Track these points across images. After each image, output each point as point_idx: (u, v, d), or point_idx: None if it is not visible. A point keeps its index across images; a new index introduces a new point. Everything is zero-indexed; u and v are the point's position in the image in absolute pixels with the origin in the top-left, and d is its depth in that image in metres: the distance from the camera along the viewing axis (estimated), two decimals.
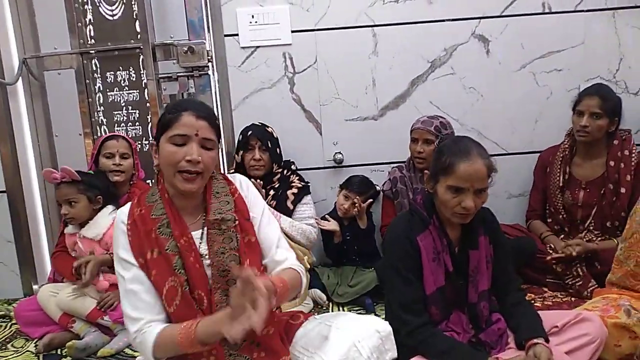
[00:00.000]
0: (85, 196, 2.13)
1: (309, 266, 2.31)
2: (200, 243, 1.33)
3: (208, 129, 1.30)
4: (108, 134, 2.44)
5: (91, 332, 2.04)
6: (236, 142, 2.52)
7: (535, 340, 1.42)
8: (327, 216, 2.44)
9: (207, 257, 1.32)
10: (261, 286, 1.08)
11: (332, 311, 2.25)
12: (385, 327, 1.28)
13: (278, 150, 2.50)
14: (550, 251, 2.29)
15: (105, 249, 2.11)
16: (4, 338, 2.24)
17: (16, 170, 2.68)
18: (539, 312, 1.57)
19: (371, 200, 2.36)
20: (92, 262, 2.01)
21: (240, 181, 1.45)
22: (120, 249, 1.30)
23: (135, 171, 2.40)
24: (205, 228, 1.34)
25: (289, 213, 2.40)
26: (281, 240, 1.43)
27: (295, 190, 2.45)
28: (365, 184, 2.52)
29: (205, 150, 1.30)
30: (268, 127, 2.50)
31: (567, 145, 2.39)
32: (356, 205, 2.38)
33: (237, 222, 1.34)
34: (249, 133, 2.43)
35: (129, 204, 1.37)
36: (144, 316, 1.24)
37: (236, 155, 2.47)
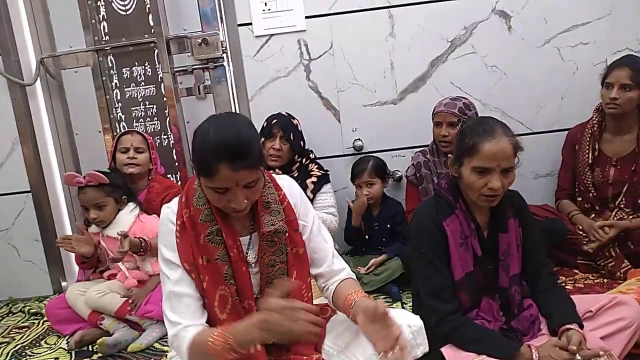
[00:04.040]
0: (112, 198, 2.13)
1: None
2: (247, 251, 1.31)
3: (249, 174, 1.17)
4: (124, 130, 2.45)
5: (120, 328, 2.07)
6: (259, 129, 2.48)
7: (568, 326, 1.38)
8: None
9: (253, 265, 1.30)
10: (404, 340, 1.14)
11: None
12: (416, 322, 1.25)
13: (302, 143, 2.47)
14: (580, 232, 2.23)
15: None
16: (37, 335, 2.28)
17: (39, 170, 2.72)
18: (571, 296, 1.52)
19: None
20: (128, 240, 1.98)
21: (290, 186, 1.39)
22: (167, 249, 1.27)
23: (152, 166, 2.39)
24: (254, 236, 1.31)
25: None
26: (334, 249, 1.42)
27: (314, 179, 2.43)
28: (382, 167, 2.48)
29: (250, 187, 1.20)
30: (294, 118, 2.47)
31: (595, 121, 2.30)
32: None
33: (287, 233, 1.31)
34: (274, 121, 2.40)
35: (175, 201, 1.32)
36: (182, 321, 1.22)
37: None
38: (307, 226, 1.37)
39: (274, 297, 1.10)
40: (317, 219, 1.42)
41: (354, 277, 1.41)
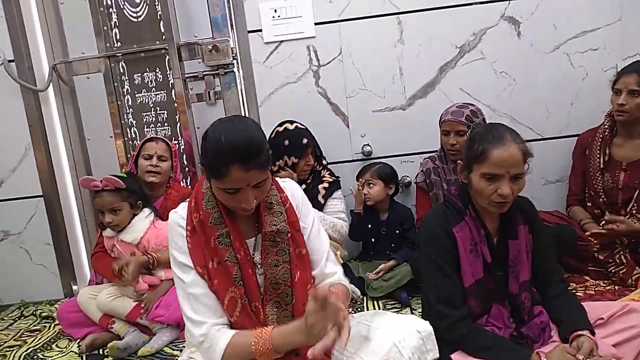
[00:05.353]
0: (127, 203, 2.14)
1: (342, 261, 2.30)
2: (253, 252, 1.33)
3: (259, 174, 1.20)
4: (150, 137, 2.46)
5: (131, 331, 2.08)
6: (271, 135, 2.46)
7: (579, 332, 1.38)
8: None
9: (259, 266, 1.32)
10: (344, 309, 1.12)
11: (367, 306, 2.24)
12: (426, 327, 1.25)
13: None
14: (590, 239, 2.21)
15: (143, 251, 2.12)
16: (48, 338, 2.30)
17: (51, 175, 2.75)
18: (582, 303, 1.51)
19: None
20: (132, 264, 2.01)
21: (292, 189, 1.42)
22: (179, 252, 1.29)
23: (173, 174, 2.41)
24: (259, 237, 1.34)
25: (320, 207, 2.40)
26: (330, 252, 1.43)
27: (326, 185, 2.45)
28: (387, 172, 2.49)
29: (259, 187, 1.23)
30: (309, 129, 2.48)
31: (606, 126, 2.30)
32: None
33: (289, 234, 1.33)
34: (304, 141, 2.40)
35: (184, 205, 1.34)
36: (207, 320, 1.24)
37: (281, 160, 2.41)
38: (307, 228, 1.39)
39: (316, 300, 1.12)
40: (317, 222, 1.44)
41: (345, 282, 1.42)
